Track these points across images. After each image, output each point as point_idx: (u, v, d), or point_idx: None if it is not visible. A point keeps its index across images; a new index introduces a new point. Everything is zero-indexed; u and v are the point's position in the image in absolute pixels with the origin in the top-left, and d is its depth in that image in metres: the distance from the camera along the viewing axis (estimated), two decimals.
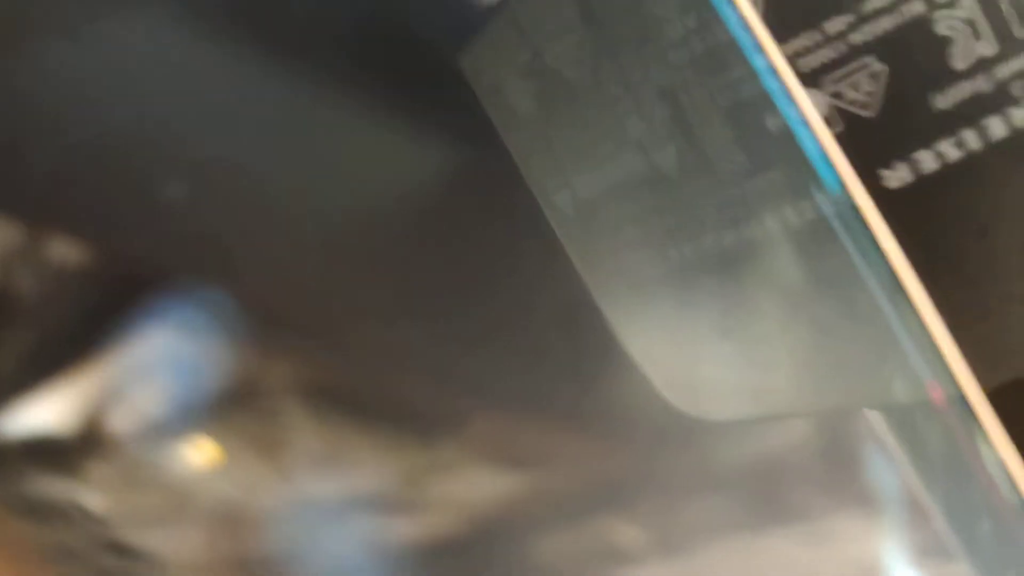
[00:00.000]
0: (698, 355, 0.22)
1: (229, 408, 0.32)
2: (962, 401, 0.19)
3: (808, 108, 0.19)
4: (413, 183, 0.32)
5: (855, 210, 0.19)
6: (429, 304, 0.33)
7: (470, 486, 0.33)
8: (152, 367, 0.31)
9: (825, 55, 0.19)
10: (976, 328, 0.19)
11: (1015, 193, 0.18)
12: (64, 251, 0.31)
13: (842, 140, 0.19)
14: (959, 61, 0.19)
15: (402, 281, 0.33)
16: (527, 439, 0.33)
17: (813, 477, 0.33)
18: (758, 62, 0.19)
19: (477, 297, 0.32)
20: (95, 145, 0.30)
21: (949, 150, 0.18)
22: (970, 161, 0.18)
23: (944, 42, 0.19)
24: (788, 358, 0.20)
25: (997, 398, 0.19)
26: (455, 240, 0.32)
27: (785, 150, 0.19)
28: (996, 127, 0.18)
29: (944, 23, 0.19)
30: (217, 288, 0.31)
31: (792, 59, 0.19)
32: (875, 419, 0.22)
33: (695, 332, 0.22)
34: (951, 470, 0.20)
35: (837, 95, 0.19)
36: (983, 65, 0.18)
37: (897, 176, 0.19)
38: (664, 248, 0.21)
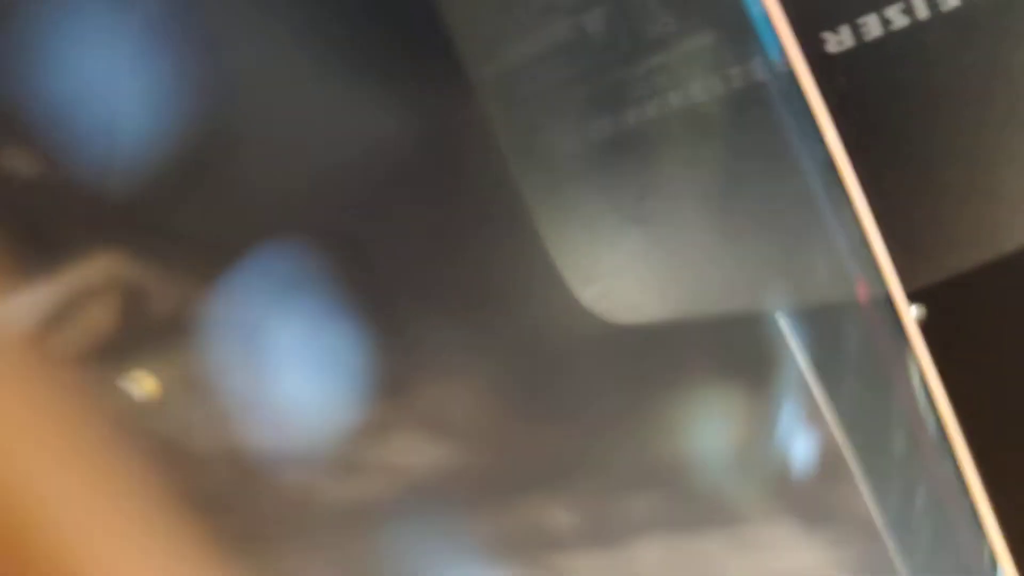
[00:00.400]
0: (611, 246, 0.21)
1: (170, 343, 0.31)
2: (887, 303, 0.18)
3: None
4: (380, 142, 0.32)
5: (792, 77, 0.18)
6: (386, 262, 0.32)
7: (404, 451, 0.32)
8: (99, 290, 0.31)
9: None
10: (910, 218, 0.18)
11: (963, 67, 0.18)
12: (16, 163, 0.30)
13: (784, 0, 0.18)
14: None
15: (363, 239, 0.32)
16: (468, 411, 0.33)
17: (753, 482, 0.32)
18: None
19: (437, 260, 0.32)
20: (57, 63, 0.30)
21: (896, 16, 0.18)
22: (918, 30, 0.18)
23: None
24: (705, 248, 0.20)
25: (928, 297, 0.18)
26: (420, 201, 0.32)
27: (718, 11, 0.18)
28: None
29: None
30: (170, 225, 0.31)
31: None
32: (784, 321, 0.21)
33: (610, 220, 0.21)
34: (863, 375, 0.19)
35: None
36: None
37: (839, 40, 0.18)
38: (585, 121, 0.21)
